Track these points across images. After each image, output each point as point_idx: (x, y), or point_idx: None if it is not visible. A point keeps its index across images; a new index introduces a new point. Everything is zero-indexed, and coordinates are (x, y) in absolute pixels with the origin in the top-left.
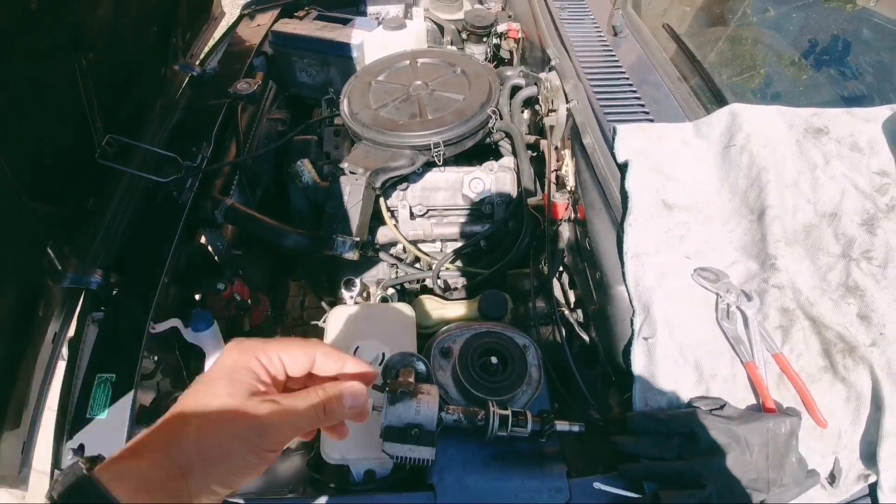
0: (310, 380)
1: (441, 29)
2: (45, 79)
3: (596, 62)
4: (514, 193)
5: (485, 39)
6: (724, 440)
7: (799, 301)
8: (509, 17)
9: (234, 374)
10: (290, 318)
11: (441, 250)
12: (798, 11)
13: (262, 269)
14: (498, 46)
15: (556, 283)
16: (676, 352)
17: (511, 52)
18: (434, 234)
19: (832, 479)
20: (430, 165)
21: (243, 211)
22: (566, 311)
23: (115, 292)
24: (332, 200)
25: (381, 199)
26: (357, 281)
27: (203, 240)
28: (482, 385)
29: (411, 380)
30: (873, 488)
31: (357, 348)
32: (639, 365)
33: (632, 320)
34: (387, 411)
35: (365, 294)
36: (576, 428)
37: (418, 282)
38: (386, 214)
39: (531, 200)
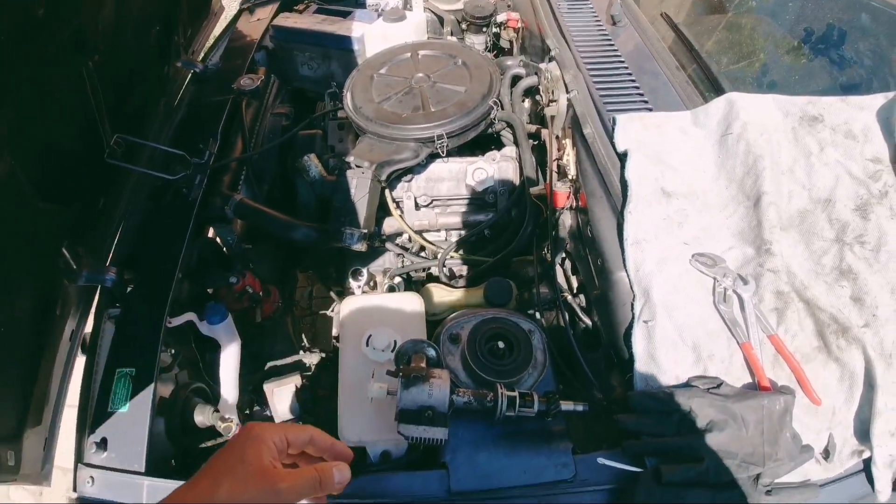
0: (301, 457)
1: (441, 19)
2: (54, 83)
3: (595, 52)
4: (517, 182)
5: (484, 29)
6: (721, 417)
7: (794, 284)
8: (508, 6)
9: (253, 448)
10: (298, 308)
11: (446, 239)
12: None
13: (270, 262)
14: (497, 35)
15: (558, 269)
16: (675, 334)
17: (511, 42)
18: (439, 224)
19: (826, 454)
20: (433, 157)
21: (253, 206)
22: (569, 297)
23: (129, 289)
24: (339, 194)
25: (387, 191)
26: (364, 270)
27: (212, 234)
28: (490, 368)
29: (423, 365)
30: (867, 463)
31: (370, 336)
32: (639, 347)
33: (632, 304)
34: (401, 395)
35: (372, 283)
36: (580, 407)
37: (424, 270)
38: (391, 206)
39: (533, 189)
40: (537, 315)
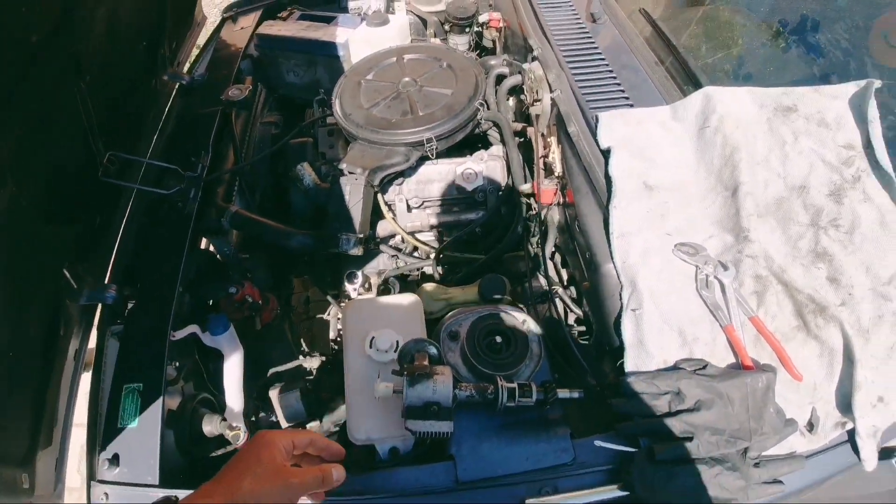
0: (303, 458)
1: (424, 21)
2: (52, 106)
3: (576, 50)
4: (505, 181)
5: (467, 30)
6: (708, 396)
7: (772, 268)
8: (489, 5)
9: (267, 451)
10: (295, 314)
11: (438, 239)
12: None
13: (266, 270)
14: (480, 35)
15: (549, 263)
16: (661, 320)
17: (494, 41)
18: (431, 224)
19: (811, 426)
20: (423, 159)
21: (249, 216)
22: (560, 290)
23: (131, 305)
24: (333, 200)
25: (379, 195)
26: (359, 273)
27: (204, 245)
28: (489, 362)
29: (426, 363)
30: (851, 435)
31: (372, 338)
32: (628, 334)
33: (620, 294)
34: (407, 393)
35: (367, 285)
36: (576, 394)
37: (418, 270)
38: (384, 209)
39: (522, 187)
40: (531, 308)
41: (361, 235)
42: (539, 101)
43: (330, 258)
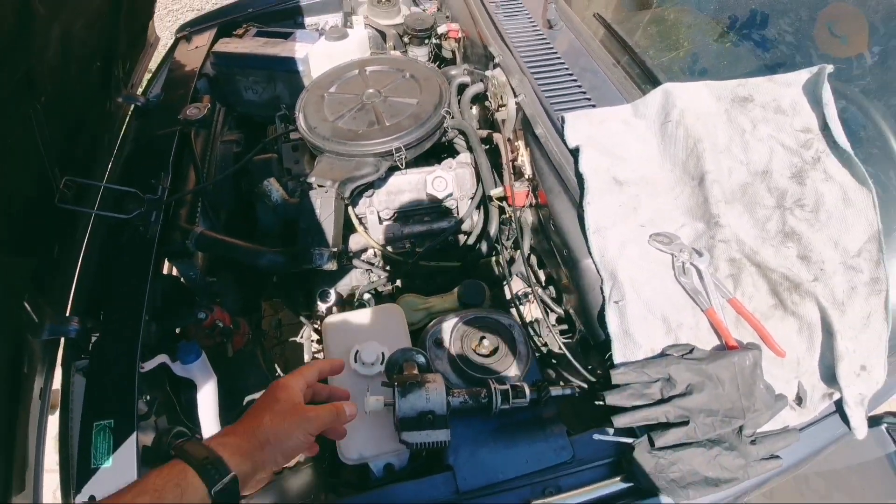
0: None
1: (382, 34)
2: (6, 129)
3: (536, 56)
4: (475, 187)
5: (426, 41)
6: (698, 379)
7: (744, 251)
8: (447, 17)
9: (284, 392)
10: (267, 338)
11: (412, 249)
12: None
13: (235, 293)
14: (439, 46)
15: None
16: (645, 309)
17: (453, 52)
18: (404, 235)
19: (799, 400)
20: (392, 170)
21: (215, 237)
22: (539, 290)
23: (95, 337)
24: (303, 215)
25: (350, 208)
26: (332, 292)
27: (167, 270)
28: (479, 367)
29: (415, 372)
30: (839, 405)
31: (357, 352)
32: (614, 326)
33: (601, 288)
34: (399, 404)
35: (341, 303)
36: (568, 391)
37: (392, 283)
38: (355, 222)
39: (493, 191)
40: (512, 310)
41: (335, 249)
42: (504, 106)
43: (300, 277)
